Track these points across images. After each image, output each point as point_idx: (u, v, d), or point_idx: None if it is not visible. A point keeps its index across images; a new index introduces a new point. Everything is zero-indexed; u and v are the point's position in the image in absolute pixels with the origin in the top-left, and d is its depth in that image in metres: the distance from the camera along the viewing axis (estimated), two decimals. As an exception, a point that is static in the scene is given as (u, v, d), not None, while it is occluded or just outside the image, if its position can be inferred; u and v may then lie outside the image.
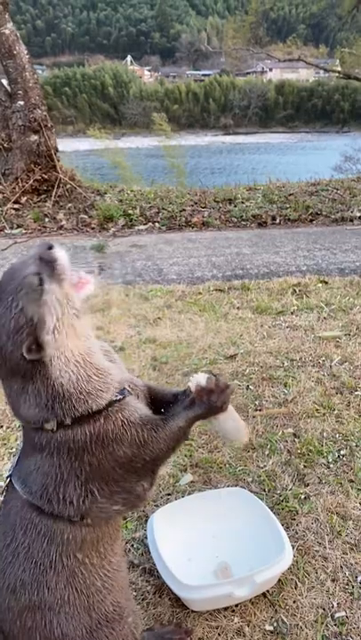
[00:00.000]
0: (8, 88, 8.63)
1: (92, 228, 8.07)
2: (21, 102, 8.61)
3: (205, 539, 1.98)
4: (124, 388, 1.41)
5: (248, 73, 76.50)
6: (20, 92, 8.57)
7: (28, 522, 1.37)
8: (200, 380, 1.44)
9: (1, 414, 2.93)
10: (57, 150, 9.01)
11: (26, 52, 8.69)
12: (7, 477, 1.43)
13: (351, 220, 8.26)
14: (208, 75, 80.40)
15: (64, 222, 8.20)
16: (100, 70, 74.96)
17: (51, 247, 1.32)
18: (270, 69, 77.89)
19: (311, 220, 8.38)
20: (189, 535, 1.96)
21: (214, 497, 2.08)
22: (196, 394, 1.44)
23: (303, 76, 71.99)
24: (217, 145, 53.74)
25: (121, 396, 1.38)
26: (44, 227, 8.12)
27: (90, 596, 1.41)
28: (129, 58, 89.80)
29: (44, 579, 1.36)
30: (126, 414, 1.37)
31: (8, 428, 2.81)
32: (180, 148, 12.55)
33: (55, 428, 1.32)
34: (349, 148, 23.25)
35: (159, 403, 1.52)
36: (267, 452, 2.56)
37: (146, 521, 2.09)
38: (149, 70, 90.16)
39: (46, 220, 8.26)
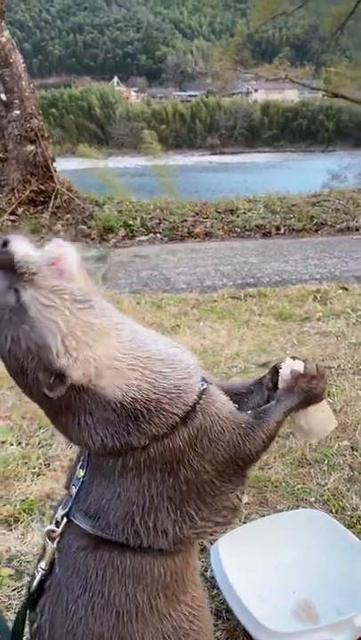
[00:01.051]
0: (4, 97, 8.40)
1: (92, 239, 7.81)
2: (17, 112, 8.38)
3: (278, 571, 1.66)
4: (202, 376, 1.14)
5: (234, 94, 77.33)
6: (16, 101, 8.35)
7: (105, 564, 1.07)
8: (296, 366, 1.23)
9: (18, 429, 2.61)
10: (54, 160, 8.77)
11: (22, 61, 8.49)
12: (62, 517, 1.11)
13: (357, 230, 8.09)
14: (194, 95, 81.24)
15: (62, 233, 7.91)
16: (86, 91, 75.50)
17: (5, 244, 0.98)
18: (255, 90, 78.97)
19: (316, 230, 8.19)
20: (258, 567, 1.65)
21: (285, 520, 1.77)
22: (295, 381, 1.21)
23: (288, 96, 73.00)
24: (204, 164, 54.04)
25: (205, 384, 1.12)
26: (42, 238, 7.82)
27: None
28: (116, 79, 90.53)
29: (129, 630, 1.07)
30: (219, 406, 1.11)
31: (27, 444, 2.49)
32: (168, 168, 12.36)
33: (147, 442, 1.04)
34: (336, 166, 23.41)
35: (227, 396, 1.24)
36: (325, 468, 2.26)
37: (202, 550, 1.78)
38: (136, 91, 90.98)
39: (44, 231, 7.97)
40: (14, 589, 1.71)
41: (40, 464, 2.33)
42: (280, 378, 1.24)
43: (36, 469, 2.30)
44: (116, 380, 1.02)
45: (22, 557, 1.82)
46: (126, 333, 1.08)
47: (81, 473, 1.13)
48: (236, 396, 1.26)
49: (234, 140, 73.24)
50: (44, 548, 1.14)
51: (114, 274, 6.08)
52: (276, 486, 2.15)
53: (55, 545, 1.12)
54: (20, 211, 8.31)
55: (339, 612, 1.51)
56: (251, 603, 1.49)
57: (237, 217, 8.44)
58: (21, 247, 0.99)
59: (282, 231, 8.11)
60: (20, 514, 2.01)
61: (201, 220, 8.31)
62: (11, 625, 1.50)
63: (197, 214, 8.54)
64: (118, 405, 1.03)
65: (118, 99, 76.68)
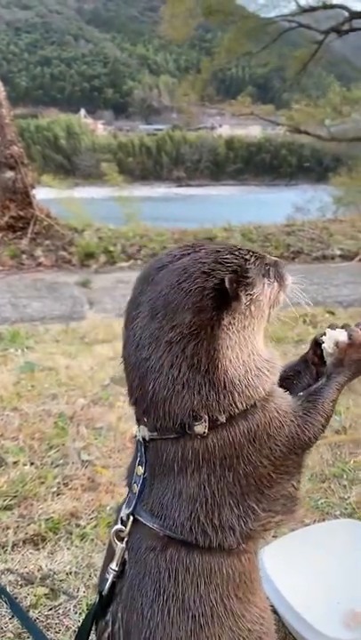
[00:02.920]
0: (-17, 124, 8.41)
1: (73, 265, 7.80)
2: (-3, 138, 8.39)
3: (320, 581, 1.66)
4: None
5: (199, 128, 79.35)
6: (-4, 127, 8.37)
7: (176, 564, 1.05)
8: (340, 336, 1.18)
9: (29, 450, 2.56)
10: (33, 187, 8.77)
11: (2, 88, 8.55)
12: (128, 516, 1.10)
13: (332, 258, 8.31)
14: (160, 129, 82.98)
15: (42, 259, 7.88)
16: (53, 122, 76.17)
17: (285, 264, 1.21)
18: (220, 125, 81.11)
19: (293, 258, 8.38)
20: (303, 578, 1.65)
21: (322, 531, 1.78)
22: (343, 353, 1.17)
23: (252, 132, 75.12)
24: (170, 196, 54.84)
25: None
26: (22, 263, 7.78)
27: None
28: (83, 112, 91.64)
29: (207, 634, 1.05)
30: (278, 402, 1.12)
31: (42, 464, 2.44)
32: (132, 199, 12.47)
33: (207, 431, 1.04)
34: (300, 200, 24.04)
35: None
36: (345, 483, 2.29)
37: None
38: (103, 124, 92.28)
39: (23, 256, 7.92)
40: (51, 609, 1.66)
41: (58, 483, 2.29)
42: (325, 352, 1.20)
43: (55, 489, 2.25)
44: (235, 348, 1.05)
45: (55, 577, 1.77)
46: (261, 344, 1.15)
47: (141, 470, 1.12)
48: (286, 380, 1.25)
49: (199, 173, 74.80)
50: (112, 549, 1.12)
51: (99, 299, 6.07)
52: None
53: (124, 545, 1.10)
54: (-2, 236, 8.24)
55: (386, 620, 1.52)
56: (304, 614, 1.48)
57: (217, 245, 8.57)
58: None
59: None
60: (46, 532, 1.96)
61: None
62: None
63: (177, 242, 8.63)
64: (215, 358, 1.03)
65: (85, 130, 77.54)
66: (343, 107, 25.39)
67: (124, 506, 1.13)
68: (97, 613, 1.14)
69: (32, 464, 2.45)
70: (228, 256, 1.07)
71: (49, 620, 1.61)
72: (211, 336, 1.03)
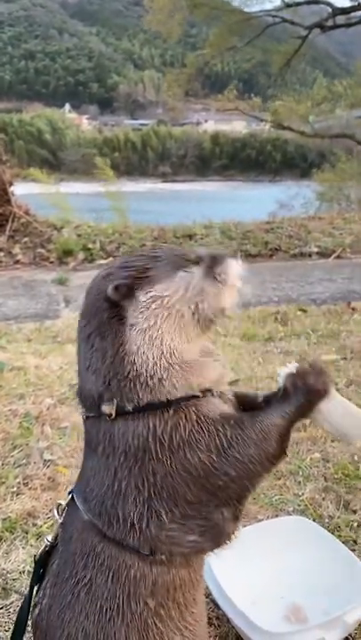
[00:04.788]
0: None
1: (51, 262, 7.78)
2: (-26, 135, 8.33)
3: (267, 577, 1.71)
4: (210, 390, 1.14)
5: (184, 124, 79.29)
6: (-26, 124, 8.31)
7: (89, 549, 1.09)
8: (289, 370, 1.20)
9: (-8, 450, 2.58)
10: (11, 184, 8.73)
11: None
12: (69, 493, 1.17)
13: (310, 255, 8.38)
14: (146, 124, 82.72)
15: (20, 256, 7.86)
16: (36, 117, 75.62)
17: (233, 256, 1.22)
18: (205, 121, 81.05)
19: (271, 256, 8.43)
20: (249, 574, 1.69)
21: (270, 528, 1.83)
22: (288, 382, 1.17)
23: (236, 127, 75.16)
24: (155, 192, 54.72)
25: (201, 395, 1.11)
26: (0, 262, 7.75)
27: None
28: (67, 106, 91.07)
29: (112, 629, 1.07)
30: (204, 410, 1.09)
31: (4, 464, 2.46)
32: (121, 194, 12.42)
33: (114, 415, 1.07)
34: (284, 196, 24.18)
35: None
36: (300, 480, 2.34)
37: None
38: (88, 118, 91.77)
39: (1, 254, 7.90)
40: (2, 607, 1.69)
41: (18, 483, 2.31)
42: (279, 387, 1.20)
43: (15, 489, 2.27)
44: (144, 342, 1.08)
45: (8, 575, 1.80)
46: (191, 344, 1.14)
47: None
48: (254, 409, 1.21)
49: (185, 169, 74.72)
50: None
51: (76, 297, 6.08)
52: (255, 498, 2.20)
53: (61, 520, 1.17)
54: (-24, 234, 8.21)
55: (326, 614, 1.56)
56: (247, 609, 1.52)
57: (195, 242, 8.60)
58: (235, 265, 1.21)
59: (238, 256, 8.32)
60: (2, 532, 1.99)
61: (160, 245, 8.41)
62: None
63: (156, 239, 8.65)
64: (122, 349, 1.08)
65: (69, 125, 77.08)
66: (327, 103, 25.50)
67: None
68: (32, 585, 1.19)
69: (-6, 464, 2.48)
70: (134, 259, 1.14)
71: (-1, 619, 1.65)
72: (113, 333, 1.09)
